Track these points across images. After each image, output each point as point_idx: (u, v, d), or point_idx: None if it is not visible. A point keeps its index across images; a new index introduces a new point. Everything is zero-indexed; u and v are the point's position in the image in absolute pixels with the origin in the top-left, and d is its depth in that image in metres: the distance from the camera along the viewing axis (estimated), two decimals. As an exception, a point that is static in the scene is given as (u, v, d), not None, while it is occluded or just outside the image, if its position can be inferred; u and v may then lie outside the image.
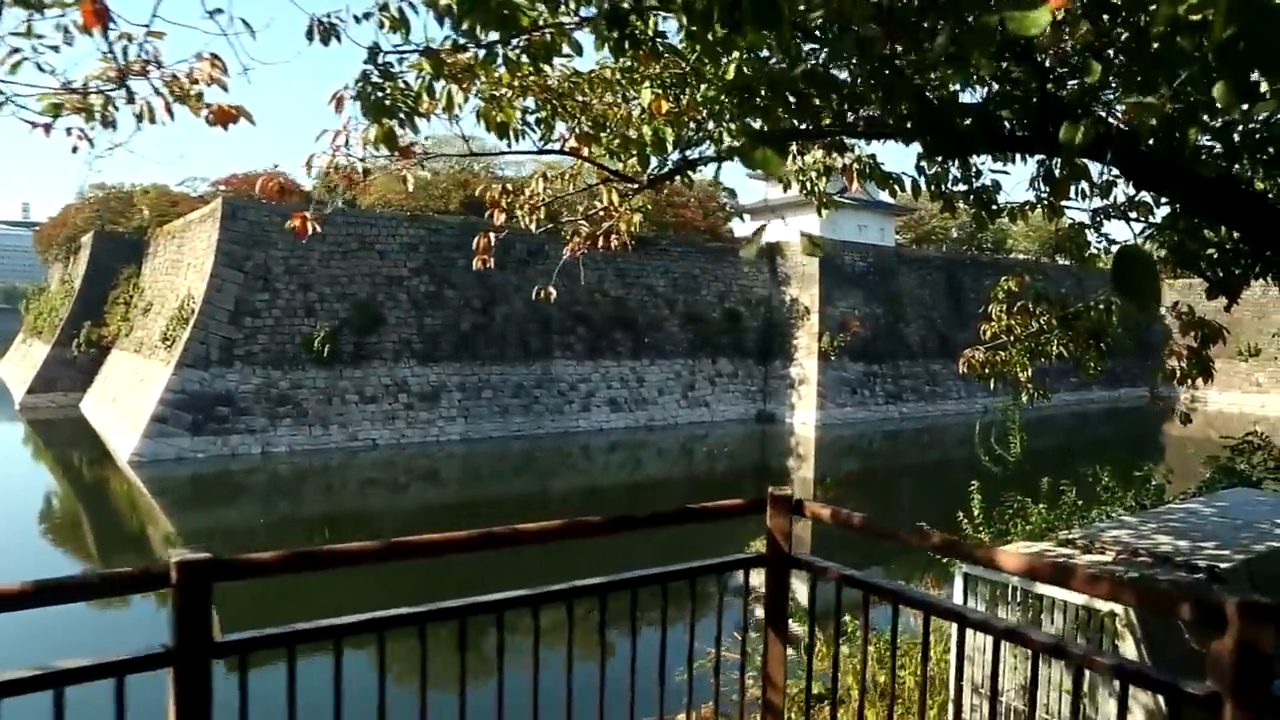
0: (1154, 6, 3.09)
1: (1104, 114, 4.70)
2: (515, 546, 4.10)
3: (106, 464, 33.59)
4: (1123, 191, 6.95)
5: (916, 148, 4.86)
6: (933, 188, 6.35)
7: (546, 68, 5.25)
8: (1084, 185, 7.15)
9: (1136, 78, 3.28)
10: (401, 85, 4.88)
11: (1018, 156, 7.03)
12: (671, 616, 4.41)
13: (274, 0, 4.98)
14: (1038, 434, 10.42)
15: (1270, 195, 5.21)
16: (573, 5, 4.74)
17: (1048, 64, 4.25)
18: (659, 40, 4.73)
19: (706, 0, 2.80)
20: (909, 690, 7.05)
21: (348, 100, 4.83)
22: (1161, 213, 6.66)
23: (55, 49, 3.94)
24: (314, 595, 7.59)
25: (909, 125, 4.23)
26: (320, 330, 36.58)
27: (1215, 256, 5.54)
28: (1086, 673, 3.92)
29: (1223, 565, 5.55)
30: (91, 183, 57.16)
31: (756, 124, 4.83)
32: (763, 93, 4.18)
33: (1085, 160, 4.28)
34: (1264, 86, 3.13)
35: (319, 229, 5.62)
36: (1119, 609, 4.86)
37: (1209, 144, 4.60)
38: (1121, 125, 4.67)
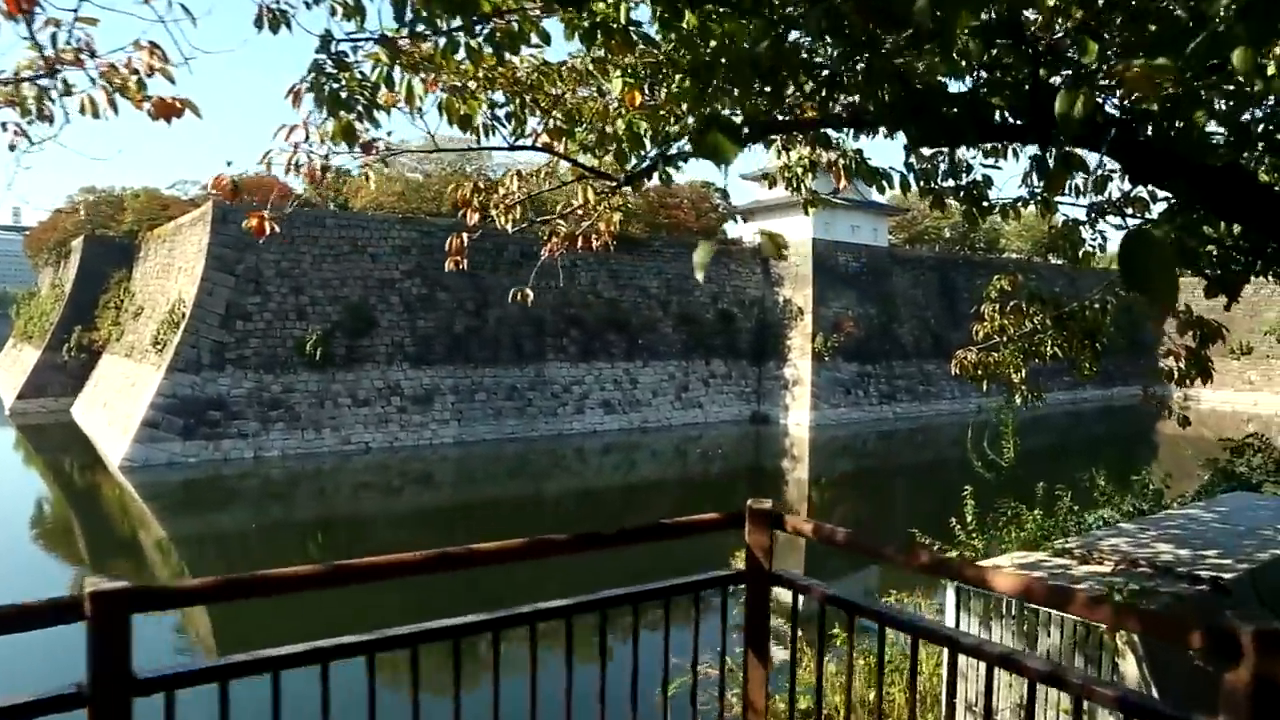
0: None
1: (1101, 100, 4.48)
2: (472, 568, 3.83)
3: (98, 469, 33.35)
4: (1118, 187, 6.77)
5: (905, 143, 4.65)
6: (921, 184, 6.14)
7: (514, 59, 5.01)
8: (1078, 181, 6.96)
9: (1138, 53, 3.05)
10: (358, 76, 4.61)
11: (1010, 152, 6.84)
12: (646, 638, 4.17)
13: (217, -15, 4.72)
14: (1031, 434, 10.15)
15: (1279, 188, 4.99)
16: None
17: (1040, 47, 4.01)
18: (632, 29, 4.49)
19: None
20: (899, 708, 6.80)
21: (306, 94, 4.52)
22: (1158, 209, 6.46)
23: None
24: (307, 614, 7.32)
25: (892, 112, 3.98)
26: (312, 333, 36.37)
27: (1215, 254, 5.33)
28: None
29: (1226, 576, 5.35)
30: (81, 186, 56.98)
31: (725, 111, 4.59)
32: (724, 73, 3.89)
33: (1081, 151, 4.05)
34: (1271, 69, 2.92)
35: (277, 229, 5.35)
36: (1101, 597, 4.65)
37: (1215, 130, 4.38)
38: (1120, 114, 4.48)
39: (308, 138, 4.86)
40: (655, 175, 5.47)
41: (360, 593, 3.85)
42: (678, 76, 4.71)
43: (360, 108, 4.61)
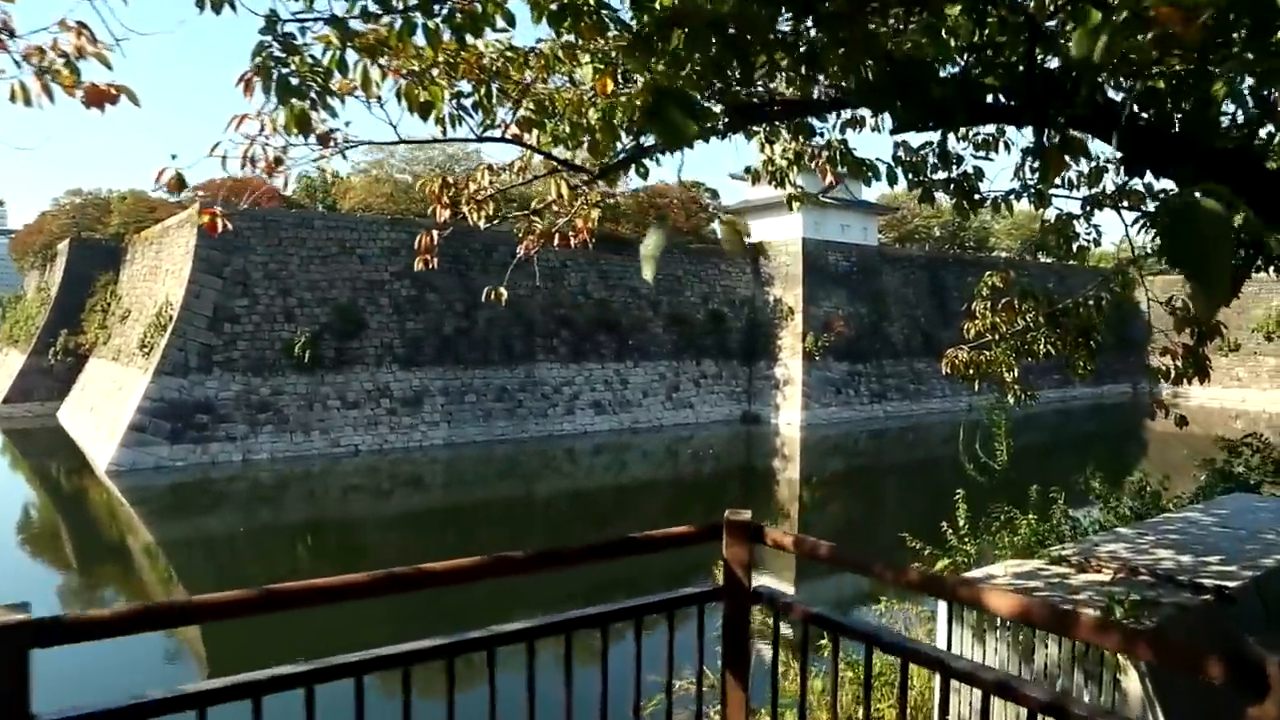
0: None
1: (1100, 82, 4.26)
2: (423, 590, 3.47)
3: (84, 474, 33.03)
4: (1112, 180, 6.58)
5: (891, 128, 4.41)
6: (910, 176, 5.92)
7: (478, 43, 4.76)
8: (1071, 175, 6.77)
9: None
10: (309, 60, 4.29)
11: (1001, 144, 6.64)
12: (617, 660, 3.92)
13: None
14: (1022, 432, 9.94)
15: None
16: None
17: (1037, 20, 3.78)
18: (604, 12, 4.24)
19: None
20: (888, 727, 6.56)
21: (259, 82, 4.19)
22: (1153, 203, 6.27)
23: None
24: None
25: (876, 92, 3.72)
26: (301, 336, 36.12)
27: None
28: None
29: (1230, 584, 5.13)
30: (67, 188, 56.67)
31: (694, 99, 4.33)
32: (685, 41, 3.58)
33: (1081, 134, 3.84)
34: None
35: (229, 226, 5.08)
36: (1110, 621, 4.44)
37: (1227, 112, 4.16)
38: (1122, 98, 4.27)
39: (263, 129, 4.61)
40: (633, 169, 5.23)
41: (301, 615, 3.51)
42: (654, 62, 4.45)
43: (313, 95, 4.31)
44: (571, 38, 4.74)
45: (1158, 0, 2.28)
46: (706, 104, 4.39)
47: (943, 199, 6.41)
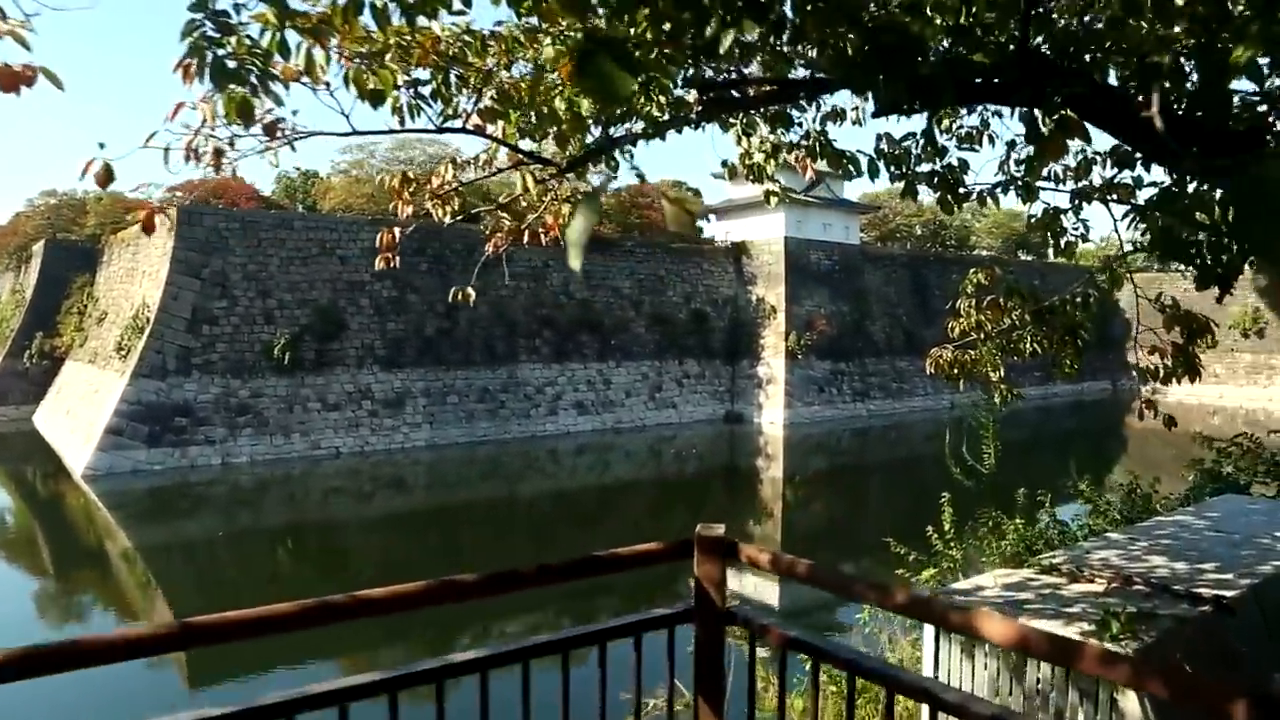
0: None
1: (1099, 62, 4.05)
2: (357, 619, 3.08)
3: (60, 478, 32.62)
4: (1100, 174, 6.41)
5: (878, 129, 4.22)
6: (892, 169, 5.71)
7: (433, 25, 4.50)
8: (1058, 169, 6.59)
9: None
10: (247, 41, 3.97)
11: (985, 139, 6.46)
12: (580, 686, 3.59)
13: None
14: (1005, 429, 9.73)
15: None
16: None
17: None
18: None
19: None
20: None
21: (200, 67, 3.88)
22: (1144, 195, 6.09)
23: None
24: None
25: (857, 68, 3.46)
26: (281, 337, 35.84)
27: (1209, 242, 4.90)
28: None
29: (1229, 594, 4.95)
30: (42, 189, 56.10)
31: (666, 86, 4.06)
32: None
33: (1077, 115, 3.63)
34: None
35: (168, 221, 4.81)
36: (1119, 653, 4.24)
37: (1239, 90, 3.94)
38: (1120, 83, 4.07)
39: (205, 121, 4.33)
40: (603, 161, 5.00)
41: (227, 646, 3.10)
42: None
43: (254, 80, 4.01)
44: (534, 20, 4.51)
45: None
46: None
47: (926, 194, 6.21)
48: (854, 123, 6.37)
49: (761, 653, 4.04)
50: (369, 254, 38.73)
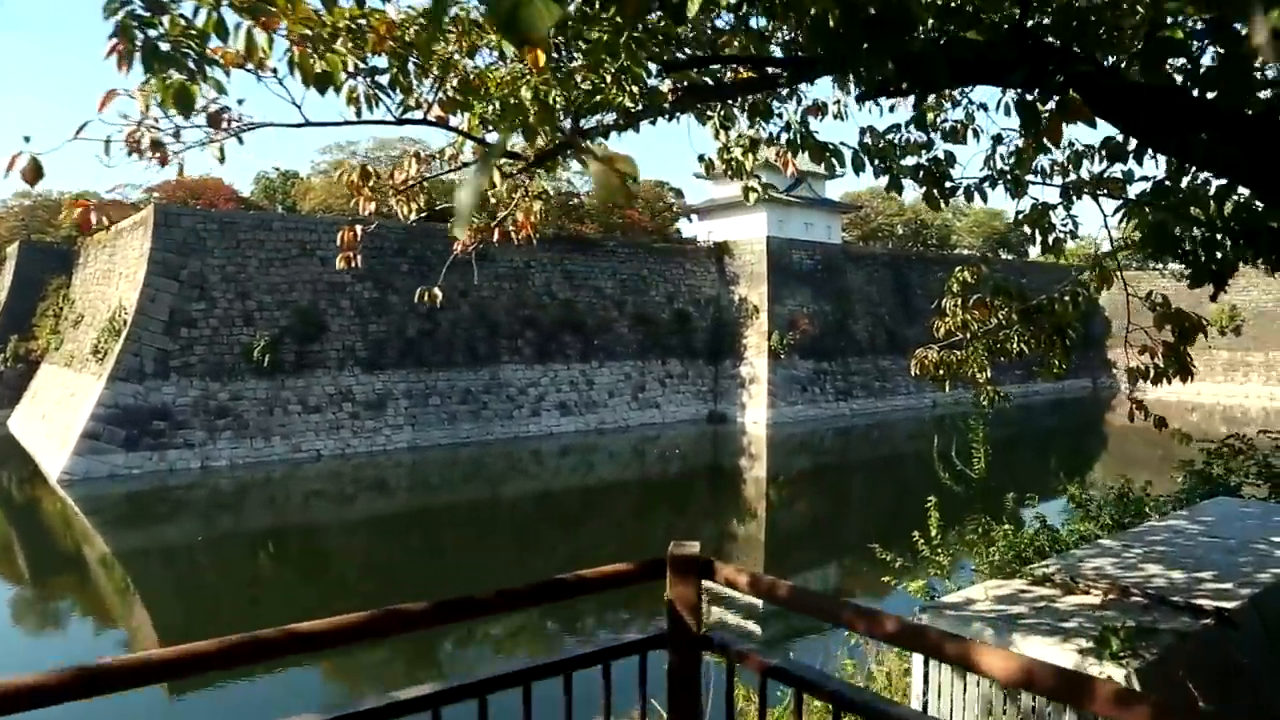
0: None
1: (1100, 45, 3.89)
2: (291, 654, 2.79)
3: (36, 483, 32.23)
4: (1088, 169, 6.29)
5: (861, 123, 4.08)
6: (876, 163, 5.55)
7: (387, 7, 4.27)
8: (1045, 163, 6.47)
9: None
10: (180, 22, 3.66)
11: (970, 134, 6.33)
12: (544, 717, 3.29)
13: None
14: (989, 427, 9.54)
15: None
16: None
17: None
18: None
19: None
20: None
21: (133, 51, 3.55)
22: (1135, 189, 5.96)
23: None
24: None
25: (840, 46, 3.22)
26: (260, 339, 35.52)
27: (1203, 238, 4.75)
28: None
29: (1229, 605, 4.82)
30: (15, 190, 55.57)
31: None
32: None
33: (1081, 97, 3.47)
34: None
35: (105, 221, 4.55)
36: (1116, 673, 4.10)
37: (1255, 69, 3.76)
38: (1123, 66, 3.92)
39: (147, 109, 4.08)
40: (573, 155, 4.78)
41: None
42: (593, 31, 3.94)
43: (191, 64, 3.71)
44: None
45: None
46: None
47: (911, 190, 6.07)
48: (836, 116, 6.24)
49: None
50: (349, 255, 38.50)
